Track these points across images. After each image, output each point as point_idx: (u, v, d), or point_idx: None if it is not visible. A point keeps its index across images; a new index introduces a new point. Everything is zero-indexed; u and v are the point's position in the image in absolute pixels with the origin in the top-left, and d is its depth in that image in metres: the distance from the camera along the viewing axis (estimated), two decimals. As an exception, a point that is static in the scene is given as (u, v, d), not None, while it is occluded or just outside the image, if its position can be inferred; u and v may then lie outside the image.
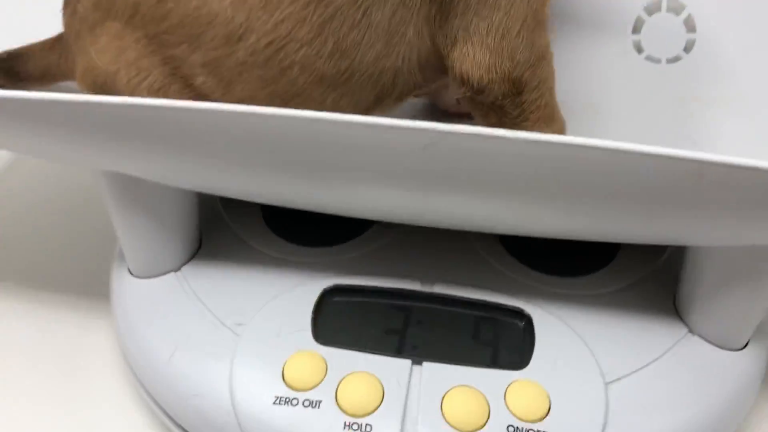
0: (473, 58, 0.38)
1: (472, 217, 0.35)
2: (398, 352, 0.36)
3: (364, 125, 0.29)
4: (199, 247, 0.42)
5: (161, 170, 0.34)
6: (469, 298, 0.38)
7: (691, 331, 0.37)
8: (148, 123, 0.30)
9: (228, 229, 0.42)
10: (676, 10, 0.52)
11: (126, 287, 0.40)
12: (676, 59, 0.52)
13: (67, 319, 0.47)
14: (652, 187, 0.29)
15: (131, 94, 0.38)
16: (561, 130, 0.43)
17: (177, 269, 0.40)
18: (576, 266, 0.41)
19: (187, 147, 0.32)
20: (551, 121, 0.41)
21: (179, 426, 0.37)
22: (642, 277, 0.40)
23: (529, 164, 0.29)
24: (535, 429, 0.33)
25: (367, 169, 0.31)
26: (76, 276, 0.49)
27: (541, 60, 0.39)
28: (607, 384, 0.35)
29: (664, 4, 0.53)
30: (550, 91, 0.41)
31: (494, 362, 0.35)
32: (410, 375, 0.34)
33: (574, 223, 0.33)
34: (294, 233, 0.42)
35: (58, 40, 0.45)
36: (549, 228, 0.35)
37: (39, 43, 0.46)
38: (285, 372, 0.34)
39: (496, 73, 0.38)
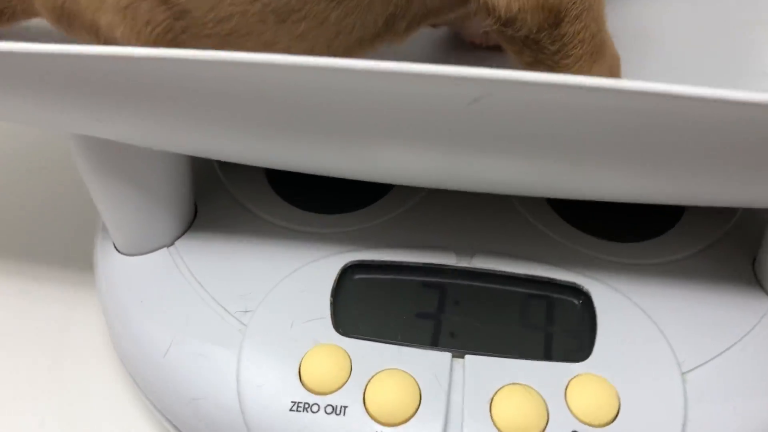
0: None
1: (522, 182, 0.29)
2: (434, 343, 0.30)
3: (387, 73, 0.22)
4: (195, 217, 0.36)
5: (141, 131, 0.28)
6: (514, 273, 0.32)
7: (775, 303, 0.32)
8: (119, 75, 0.24)
9: (228, 195, 0.36)
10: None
11: (112, 266, 0.35)
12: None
13: (52, 294, 0.42)
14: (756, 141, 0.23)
15: (95, 12, 0.31)
16: (613, 68, 0.36)
17: (170, 244, 0.34)
18: (637, 229, 0.35)
19: (172, 103, 0.25)
20: (600, 57, 0.34)
21: (178, 429, 0.31)
22: (714, 240, 0.34)
23: (612, 119, 0.23)
24: (604, 434, 0.28)
25: (393, 129, 0.25)
26: (61, 246, 0.44)
27: None
28: (684, 374, 0.29)
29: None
30: (597, 20, 0.34)
31: (549, 353, 0.30)
32: (451, 371, 0.29)
33: (650, 186, 0.27)
34: (305, 198, 0.36)
35: None
36: (617, 192, 0.29)
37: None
38: (302, 371, 0.29)
39: None
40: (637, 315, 0.31)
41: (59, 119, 0.27)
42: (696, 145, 0.24)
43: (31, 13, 0.37)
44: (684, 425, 0.28)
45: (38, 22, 0.37)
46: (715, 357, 0.30)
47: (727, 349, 0.30)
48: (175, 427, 0.31)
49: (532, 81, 0.22)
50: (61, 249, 0.44)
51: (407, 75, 0.22)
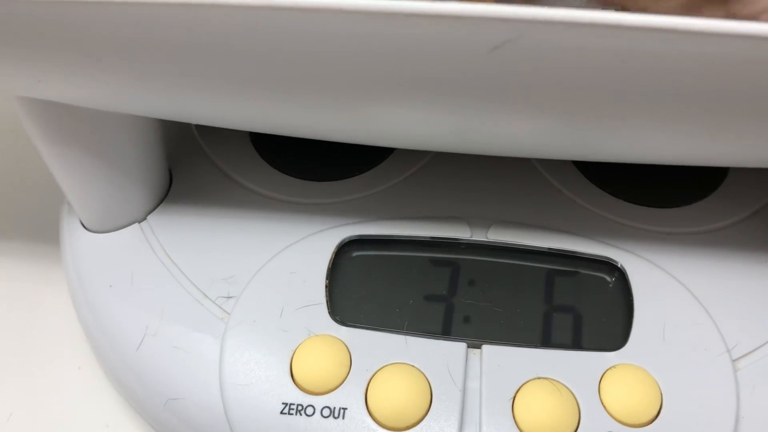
0: None
1: (548, 143, 0.24)
2: (446, 332, 0.26)
3: (390, 14, 0.18)
4: (170, 186, 0.31)
5: (95, 93, 0.23)
6: (536, 247, 0.28)
7: (833, 275, 0.28)
8: (59, 25, 0.19)
9: (206, 160, 0.32)
10: None
11: (78, 245, 0.31)
12: None
13: (21, 273, 0.38)
14: None
15: None
16: None
17: (141, 219, 0.30)
18: (675, 193, 0.30)
19: (127, 55, 0.21)
20: None
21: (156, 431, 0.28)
22: (762, 205, 0.30)
23: (662, 64, 0.18)
24: (645, 436, 0.24)
25: (398, 82, 0.20)
26: (31, 219, 0.40)
27: None
28: (734, 361, 0.25)
29: None
30: None
31: (579, 340, 0.26)
32: (466, 365, 0.25)
33: (715, 147, 0.22)
34: (295, 163, 0.31)
35: None
36: (658, 153, 0.24)
37: None
38: (294, 367, 0.25)
39: None
40: (679, 293, 0.27)
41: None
42: (749, 91, 0.19)
43: None
44: (737, 421, 0.24)
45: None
46: (769, 341, 0.26)
47: (784, 331, 0.26)
48: (151, 427, 0.28)
49: (569, 20, 0.17)
50: (30, 222, 0.40)
51: (415, 16, 0.18)
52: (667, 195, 0.30)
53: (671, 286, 0.27)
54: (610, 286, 0.27)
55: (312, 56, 0.20)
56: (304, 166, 0.31)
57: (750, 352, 0.26)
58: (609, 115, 0.20)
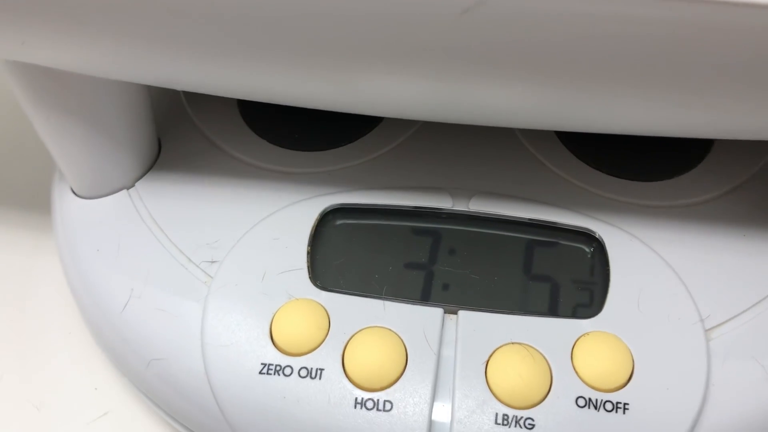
0: None
1: (523, 111, 0.24)
2: (425, 298, 0.27)
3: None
4: (159, 153, 0.32)
5: (80, 55, 0.24)
6: (517, 217, 0.28)
7: (814, 250, 0.28)
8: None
9: (194, 130, 0.32)
10: None
11: (67, 211, 0.31)
12: None
13: (13, 240, 0.39)
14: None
15: None
16: None
17: (129, 186, 0.31)
18: (658, 167, 0.31)
19: (110, 18, 0.21)
20: None
21: (142, 392, 0.28)
22: (745, 179, 0.30)
23: (631, 30, 0.18)
24: (614, 401, 0.24)
25: (375, 46, 0.21)
26: (24, 187, 0.41)
27: None
28: (707, 331, 0.26)
29: None
30: None
31: (555, 308, 0.26)
32: (442, 329, 0.25)
33: (683, 115, 0.23)
34: (282, 133, 0.32)
35: None
36: (635, 122, 0.25)
37: None
38: (273, 329, 0.26)
39: None
40: (656, 264, 0.27)
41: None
42: (727, 59, 0.20)
43: None
44: (707, 389, 0.25)
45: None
46: (743, 312, 0.26)
47: (758, 302, 0.27)
48: (136, 387, 0.28)
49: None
50: (23, 189, 0.40)
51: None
52: (649, 169, 0.30)
53: (648, 257, 0.27)
54: (589, 256, 0.28)
55: (293, 18, 0.20)
56: (291, 136, 0.32)
57: (723, 323, 0.26)
58: (575, 79, 0.21)
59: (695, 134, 0.25)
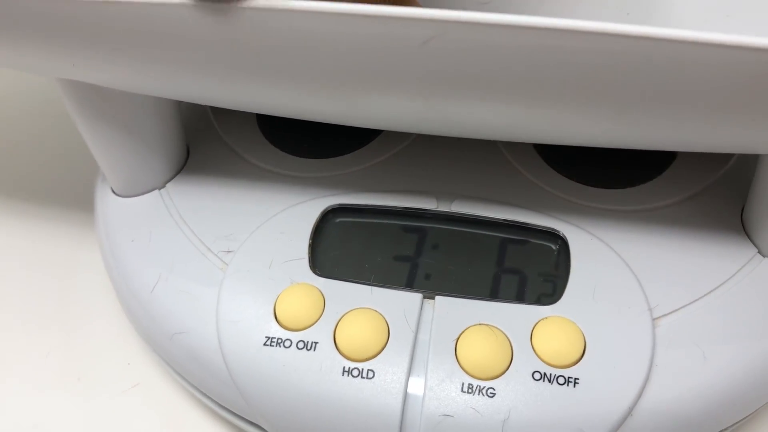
0: None
1: (490, 128, 0.28)
2: (408, 285, 0.31)
3: (340, 14, 0.22)
4: (187, 159, 0.37)
5: (120, 77, 0.29)
6: (493, 218, 0.33)
7: (761, 252, 0.31)
8: (86, 20, 0.25)
9: (218, 139, 0.37)
10: None
11: (108, 207, 0.36)
12: None
13: (58, 235, 0.44)
14: (726, 85, 0.22)
15: None
16: None
17: (161, 186, 0.35)
18: (624, 176, 0.34)
19: (146, 50, 0.26)
20: None
21: (166, 362, 0.33)
22: (702, 188, 0.34)
23: (565, 60, 0.22)
24: (566, 375, 0.28)
25: (354, 71, 0.25)
26: (69, 185, 0.46)
27: None
28: (655, 320, 0.29)
29: None
30: None
31: (521, 295, 0.30)
32: (420, 311, 0.30)
33: (620, 130, 0.26)
34: (293, 143, 0.36)
35: None
36: (589, 136, 0.29)
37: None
38: (277, 308, 0.30)
39: None
40: (612, 261, 0.31)
41: (36, 62, 0.28)
42: (670, 87, 0.23)
43: None
44: (649, 370, 0.28)
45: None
46: (688, 304, 0.30)
47: (703, 296, 0.30)
48: (161, 358, 0.33)
49: (480, 21, 0.22)
50: (70, 192, 0.46)
51: (359, 16, 0.22)
52: (614, 178, 0.34)
53: (606, 254, 0.31)
54: (554, 253, 0.32)
55: (291, 50, 0.25)
56: (300, 146, 0.36)
57: (669, 313, 0.30)
58: (526, 100, 0.25)
59: (644, 147, 0.29)
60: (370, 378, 0.28)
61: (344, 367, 0.28)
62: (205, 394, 0.32)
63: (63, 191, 0.46)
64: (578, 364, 0.28)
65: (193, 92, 0.29)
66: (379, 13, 0.22)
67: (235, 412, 0.31)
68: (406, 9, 0.22)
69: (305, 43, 0.24)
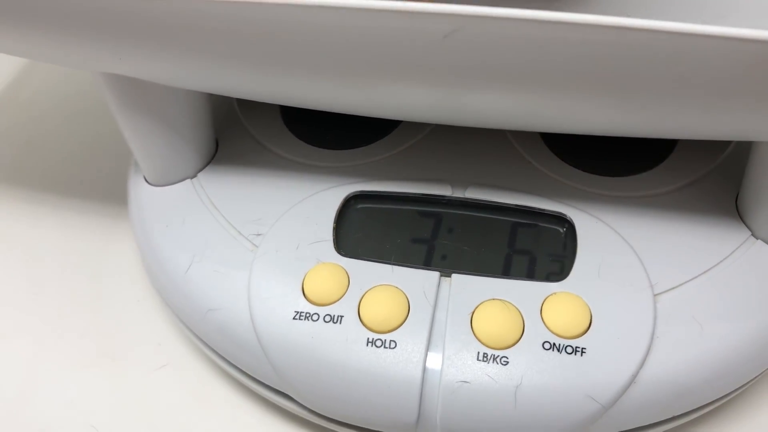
0: None
1: (506, 116, 0.31)
2: (426, 264, 0.33)
3: (366, 10, 0.25)
4: (216, 151, 0.39)
5: (161, 70, 0.31)
6: (504, 203, 0.35)
7: (754, 234, 0.34)
8: (134, 15, 0.27)
9: (245, 132, 0.40)
10: None
11: (142, 195, 0.38)
12: None
13: (92, 224, 0.46)
14: (723, 75, 0.25)
15: None
16: None
17: (193, 176, 0.38)
18: (627, 165, 0.37)
19: (185, 43, 0.28)
20: None
21: (199, 338, 0.35)
22: (700, 176, 0.36)
23: (575, 52, 0.25)
24: (574, 345, 0.30)
25: (379, 63, 0.27)
26: (100, 179, 0.49)
27: None
28: (656, 296, 0.32)
29: None
30: None
31: (531, 273, 0.33)
32: (438, 288, 0.32)
33: (624, 118, 0.29)
34: (315, 135, 0.39)
35: None
36: (596, 125, 0.31)
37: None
38: (305, 286, 0.32)
39: None
40: (616, 241, 0.33)
41: (83, 57, 0.30)
42: (670, 77, 0.26)
43: None
44: (651, 341, 0.30)
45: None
46: (687, 282, 0.32)
47: (701, 274, 0.32)
48: (194, 334, 0.35)
49: (498, 16, 0.24)
50: (100, 184, 0.48)
51: (384, 12, 0.25)
52: (618, 166, 0.36)
53: (610, 236, 0.33)
54: (561, 235, 0.34)
55: (320, 43, 0.27)
56: (323, 137, 0.39)
57: (669, 290, 0.32)
58: (541, 89, 0.27)
59: (647, 135, 0.31)
60: (393, 348, 0.30)
61: (368, 339, 0.31)
62: (236, 368, 0.34)
63: (93, 183, 0.48)
64: (585, 335, 0.30)
65: (235, 85, 0.31)
66: (405, 8, 0.24)
67: (265, 383, 0.33)
68: (428, 4, 0.24)
69: (334, 38, 0.27)
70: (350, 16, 0.25)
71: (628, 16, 0.40)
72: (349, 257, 0.33)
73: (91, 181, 0.49)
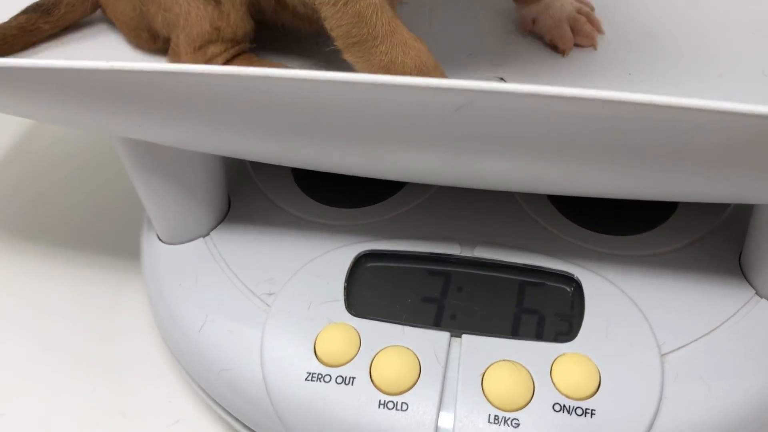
0: None
1: (513, 181, 0.32)
2: (436, 324, 0.34)
3: (386, 85, 0.26)
4: (228, 209, 0.40)
5: (178, 136, 0.32)
6: (512, 263, 0.36)
7: (758, 293, 0.34)
8: (160, 89, 0.28)
9: (258, 191, 0.40)
10: None
11: (155, 253, 0.39)
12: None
13: (102, 279, 0.47)
14: (721, 146, 0.26)
15: None
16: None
17: (205, 234, 0.39)
18: (631, 224, 0.37)
19: (204, 113, 0.29)
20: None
21: (210, 398, 0.35)
22: (704, 234, 0.37)
23: (578, 124, 0.26)
24: (583, 407, 0.31)
25: (394, 133, 0.28)
26: (111, 236, 0.49)
27: None
28: (663, 356, 0.32)
29: None
30: None
31: (540, 334, 0.33)
32: (449, 349, 0.32)
33: (627, 184, 0.30)
34: (326, 194, 0.40)
35: None
36: (600, 189, 0.32)
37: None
38: (317, 346, 0.33)
39: None
40: (623, 301, 0.34)
41: (106, 125, 0.31)
42: (672, 148, 0.27)
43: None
44: (660, 401, 0.31)
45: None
46: (694, 341, 0.33)
47: (707, 334, 0.33)
48: (206, 394, 0.35)
49: (506, 91, 0.25)
50: (110, 239, 0.49)
51: (401, 87, 0.26)
52: (622, 226, 0.37)
53: (617, 295, 0.34)
54: (569, 294, 0.35)
55: (334, 113, 0.28)
56: (333, 195, 0.39)
57: (676, 349, 0.32)
58: (545, 158, 0.28)
59: (658, 199, 0.32)
60: (404, 410, 0.31)
61: (380, 401, 0.31)
62: (248, 427, 0.34)
63: (105, 237, 0.49)
64: (594, 396, 0.31)
65: (253, 151, 0.32)
66: (420, 84, 0.25)
67: (277, 443, 0.33)
68: (442, 80, 0.25)
69: (349, 110, 0.28)
70: (364, 91, 0.26)
71: (631, 73, 0.41)
72: (360, 317, 0.34)
73: (103, 235, 0.49)
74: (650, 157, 0.27)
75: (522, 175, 0.31)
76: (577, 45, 0.44)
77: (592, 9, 0.46)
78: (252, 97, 0.28)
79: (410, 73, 0.35)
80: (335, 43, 0.36)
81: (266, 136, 0.30)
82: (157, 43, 0.42)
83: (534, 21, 0.44)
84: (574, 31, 0.44)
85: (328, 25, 0.36)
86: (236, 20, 0.40)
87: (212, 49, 0.40)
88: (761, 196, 0.30)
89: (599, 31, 0.44)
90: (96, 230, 0.50)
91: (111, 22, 0.45)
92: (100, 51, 0.44)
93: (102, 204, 0.52)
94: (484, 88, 0.25)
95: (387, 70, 0.35)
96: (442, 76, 0.37)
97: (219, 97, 0.28)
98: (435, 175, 0.32)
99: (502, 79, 0.41)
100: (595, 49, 0.44)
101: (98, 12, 0.46)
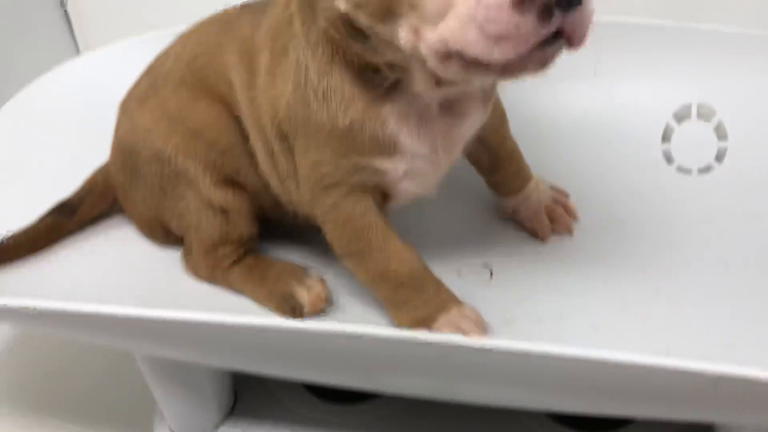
0: None
1: (493, 403, 0.35)
2: None
3: (383, 339, 0.30)
4: (234, 402, 0.43)
5: (197, 360, 0.36)
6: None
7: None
8: (173, 333, 0.32)
9: (263, 387, 0.44)
10: (707, 116, 0.52)
11: (168, 445, 0.42)
12: (707, 169, 0.51)
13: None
14: (663, 393, 0.29)
15: None
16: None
17: (214, 429, 0.42)
18: (609, 422, 0.40)
19: (221, 353, 0.34)
20: None
21: None
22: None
23: (541, 373, 0.29)
24: None
25: (393, 369, 0.32)
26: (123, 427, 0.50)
27: None
28: None
29: (693, 111, 0.52)
30: None
31: None
32: None
33: (602, 411, 0.33)
34: (328, 390, 0.43)
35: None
36: (562, 408, 0.35)
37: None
38: None
39: None
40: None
41: (127, 348, 0.35)
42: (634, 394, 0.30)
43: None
44: None
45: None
46: None
47: None
48: None
49: (477, 347, 0.29)
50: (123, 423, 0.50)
51: (395, 341, 0.30)
52: (600, 423, 0.40)
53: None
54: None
55: (338, 357, 0.32)
56: (335, 392, 0.43)
57: None
58: (521, 393, 0.32)
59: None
60: None
61: None
62: None
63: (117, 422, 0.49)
64: None
65: (270, 373, 0.36)
66: (408, 338, 0.29)
67: None
68: (424, 334, 0.29)
69: (356, 353, 0.32)
70: (358, 341, 0.30)
71: (605, 259, 0.45)
72: None
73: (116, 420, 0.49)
74: (597, 393, 0.31)
75: (506, 401, 0.34)
76: (554, 231, 0.48)
77: (567, 196, 0.50)
78: (271, 343, 0.32)
79: (403, 278, 0.39)
80: (334, 251, 0.40)
81: (283, 366, 0.34)
82: (169, 239, 0.47)
83: (514, 211, 0.48)
84: (552, 219, 0.48)
85: (327, 237, 0.40)
86: (243, 226, 0.44)
87: (222, 251, 0.44)
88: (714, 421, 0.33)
89: (574, 218, 0.48)
90: (108, 419, 0.49)
91: (124, 212, 0.49)
92: (119, 246, 0.47)
93: (114, 385, 0.51)
94: (459, 343, 0.29)
95: (381, 277, 0.39)
96: (432, 278, 0.40)
97: (246, 345, 0.32)
98: (426, 394, 0.36)
99: (486, 265, 0.45)
100: (571, 236, 0.47)
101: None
